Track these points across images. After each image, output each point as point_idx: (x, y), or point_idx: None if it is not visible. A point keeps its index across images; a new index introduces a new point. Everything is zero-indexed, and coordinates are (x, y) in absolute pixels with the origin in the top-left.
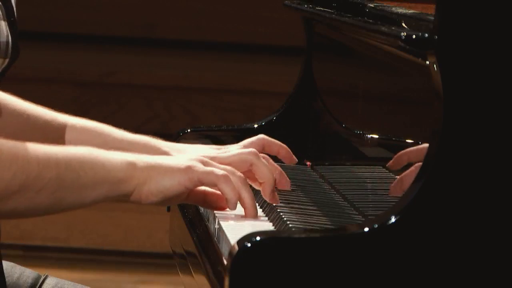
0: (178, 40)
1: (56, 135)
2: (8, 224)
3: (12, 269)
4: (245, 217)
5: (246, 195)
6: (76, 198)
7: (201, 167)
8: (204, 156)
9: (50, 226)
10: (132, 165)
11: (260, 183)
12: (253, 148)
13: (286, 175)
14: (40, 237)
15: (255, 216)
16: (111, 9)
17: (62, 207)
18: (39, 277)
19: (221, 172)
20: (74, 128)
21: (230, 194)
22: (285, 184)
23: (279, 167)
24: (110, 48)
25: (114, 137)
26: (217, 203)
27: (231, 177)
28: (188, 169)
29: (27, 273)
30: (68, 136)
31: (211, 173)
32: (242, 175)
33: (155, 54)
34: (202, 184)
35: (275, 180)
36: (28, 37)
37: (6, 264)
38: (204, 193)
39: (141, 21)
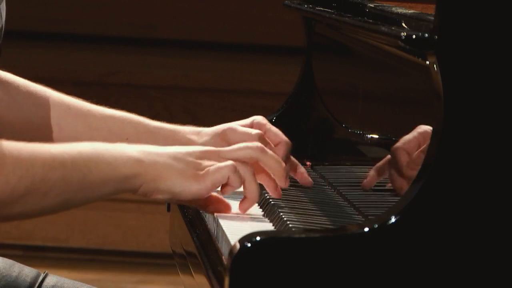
0: (178, 40)
1: (100, 124)
2: (8, 224)
3: (11, 267)
4: (242, 203)
5: (248, 186)
6: (83, 197)
7: (209, 170)
8: (208, 151)
9: (50, 226)
10: (138, 162)
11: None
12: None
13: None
14: (40, 237)
15: (247, 209)
16: (111, 9)
17: (69, 206)
18: (38, 275)
19: (228, 163)
20: (115, 117)
21: (235, 183)
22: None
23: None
24: (110, 48)
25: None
26: (217, 206)
27: (238, 167)
28: (200, 178)
29: (26, 271)
30: (110, 126)
31: (219, 169)
32: (249, 165)
33: (155, 54)
34: (216, 187)
35: (285, 171)
36: (28, 37)
37: (5, 261)
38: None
39: (141, 21)
